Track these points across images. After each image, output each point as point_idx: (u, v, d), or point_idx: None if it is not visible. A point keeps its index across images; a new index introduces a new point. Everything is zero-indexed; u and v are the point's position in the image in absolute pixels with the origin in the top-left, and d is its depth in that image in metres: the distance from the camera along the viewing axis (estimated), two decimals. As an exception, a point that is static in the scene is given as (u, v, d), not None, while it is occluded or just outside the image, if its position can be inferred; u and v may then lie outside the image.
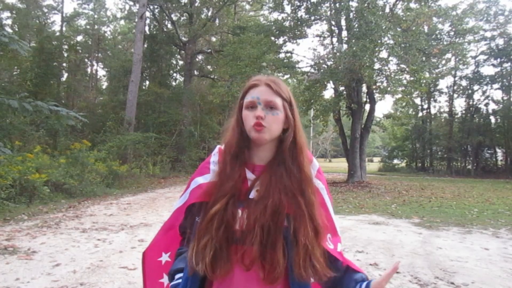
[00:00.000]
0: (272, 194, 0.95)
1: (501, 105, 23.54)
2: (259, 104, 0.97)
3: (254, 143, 1.00)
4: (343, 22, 14.53)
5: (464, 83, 24.90)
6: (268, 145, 1.01)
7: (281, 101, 1.00)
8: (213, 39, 24.19)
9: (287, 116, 1.01)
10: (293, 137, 1.01)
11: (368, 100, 15.75)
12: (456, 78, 24.67)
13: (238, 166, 1.00)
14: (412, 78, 13.14)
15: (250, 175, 1.00)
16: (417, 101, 25.17)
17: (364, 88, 15.59)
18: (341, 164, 30.49)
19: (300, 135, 1.02)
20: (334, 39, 15.37)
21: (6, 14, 23.13)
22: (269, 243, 0.92)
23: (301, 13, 14.62)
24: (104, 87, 30.14)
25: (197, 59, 23.91)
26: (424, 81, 13.46)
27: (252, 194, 0.97)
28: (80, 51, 25.03)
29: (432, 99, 26.32)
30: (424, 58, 13.54)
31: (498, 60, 23.03)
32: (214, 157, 1.10)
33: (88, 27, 28.00)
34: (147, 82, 23.41)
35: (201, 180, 1.07)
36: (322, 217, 1.00)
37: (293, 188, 0.97)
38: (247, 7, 25.25)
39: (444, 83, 42.48)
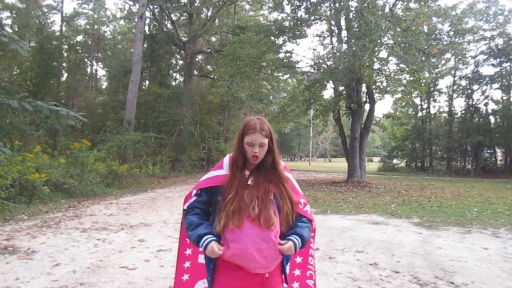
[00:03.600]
0: (261, 182, 1.64)
1: (500, 105, 23.51)
2: (256, 144, 1.62)
3: (249, 162, 1.67)
4: (342, 22, 14.52)
5: (463, 83, 24.88)
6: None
7: (267, 140, 1.64)
8: (213, 39, 24.17)
9: (269, 144, 1.65)
10: (272, 155, 1.68)
11: (367, 100, 15.75)
12: (456, 78, 24.66)
13: (241, 170, 1.67)
14: (411, 78, 13.14)
15: (247, 173, 1.68)
16: (417, 101, 25.21)
17: (364, 88, 15.60)
18: (341, 164, 30.52)
19: (276, 153, 1.69)
20: (334, 39, 15.37)
21: (6, 14, 23.12)
22: (263, 207, 1.58)
23: (301, 13, 14.60)
24: (104, 87, 30.12)
25: (197, 59, 23.89)
26: (424, 81, 13.46)
27: (249, 182, 1.64)
28: (80, 51, 24.98)
29: (431, 99, 26.31)
30: (423, 58, 13.54)
31: (498, 60, 23.00)
32: (226, 159, 1.75)
33: (88, 27, 27.96)
34: (147, 82, 23.39)
35: (218, 172, 1.72)
36: (294, 195, 1.69)
37: (276, 180, 1.66)
38: (247, 7, 25.24)
39: (443, 83, 42.62)
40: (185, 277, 1.86)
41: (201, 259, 1.84)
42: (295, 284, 1.91)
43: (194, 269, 1.86)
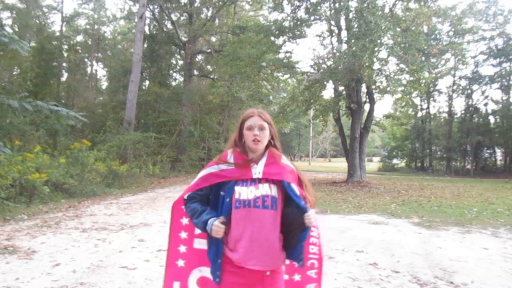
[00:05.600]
0: (266, 175, 1.62)
1: (500, 105, 23.55)
2: (255, 127, 1.63)
3: (252, 150, 1.67)
4: (342, 22, 14.51)
5: (463, 83, 24.90)
6: (260, 149, 1.68)
7: (267, 125, 1.65)
8: (213, 39, 24.17)
9: (271, 132, 1.68)
10: (274, 142, 1.71)
11: (367, 100, 15.75)
12: (456, 78, 24.69)
13: (245, 164, 1.64)
14: (411, 78, 13.15)
15: (252, 165, 1.64)
16: (417, 101, 25.19)
17: (364, 88, 15.58)
18: (341, 164, 30.51)
19: (278, 142, 1.73)
20: (334, 39, 15.36)
21: (6, 14, 23.10)
22: (268, 201, 1.57)
23: (301, 13, 14.60)
24: (104, 87, 30.14)
25: (197, 59, 23.89)
26: (424, 81, 13.47)
27: (255, 175, 1.62)
28: (80, 51, 25.01)
29: (431, 99, 26.32)
30: (423, 58, 13.53)
31: (497, 60, 23.01)
32: (230, 154, 1.70)
33: (88, 27, 27.97)
34: (147, 82, 23.39)
35: (221, 167, 1.67)
36: (298, 188, 1.65)
37: (280, 169, 1.64)
38: (247, 7, 25.24)
39: (443, 83, 42.52)
40: (180, 262, 1.82)
41: (197, 244, 1.81)
42: (296, 277, 1.86)
43: (190, 255, 1.81)
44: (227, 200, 1.59)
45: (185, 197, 1.71)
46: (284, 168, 1.65)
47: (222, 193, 1.62)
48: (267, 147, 1.69)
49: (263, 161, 1.65)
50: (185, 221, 1.85)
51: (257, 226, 1.56)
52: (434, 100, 26.50)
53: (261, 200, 1.57)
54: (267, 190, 1.59)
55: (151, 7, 20.27)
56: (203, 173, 1.71)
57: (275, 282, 1.61)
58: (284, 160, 1.70)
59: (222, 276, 1.59)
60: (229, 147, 1.74)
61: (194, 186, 1.71)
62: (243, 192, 1.58)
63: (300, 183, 1.70)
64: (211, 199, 1.68)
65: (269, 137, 1.68)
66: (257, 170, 1.62)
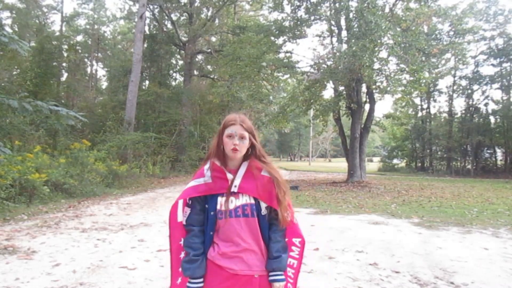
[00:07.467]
0: (243, 188, 1.61)
1: (500, 105, 23.55)
2: (236, 136, 1.59)
3: (230, 158, 1.64)
4: (342, 22, 14.52)
5: (463, 83, 24.92)
6: (238, 158, 1.66)
7: (248, 134, 1.62)
8: (213, 39, 24.19)
9: (251, 141, 1.64)
10: (254, 151, 1.67)
11: (367, 100, 15.75)
12: (456, 78, 24.69)
13: (223, 175, 1.63)
14: (411, 78, 13.13)
15: (229, 175, 1.64)
16: (417, 101, 25.25)
17: (364, 88, 15.59)
18: (341, 164, 30.52)
19: (260, 150, 1.68)
20: (334, 39, 15.37)
21: (6, 14, 23.19)
22: (249, 213, 1.61)
23: (301, 13, 14.61)
24: (104, 87, 30.18)
25: (197, 59, 23.91)
26: (424, 81, 13.44)
27: (233, 189, 1.61)
28: (79, 51, 25.04)
29: (431, 99, 26.34)
30: (423, 58, 13.53)
31: (498, 60, 23.03)
32: (207, 166, 1.69)
33: (88, 27, 28.03)
34: (147, 82, 23.41)
35: (201, 181, 1.66)
36: (271, 194, 1.64)
37: (255, 185, 1.62)
38: (247, 7, 25.27)
39: (443, 83, 42.63)
40: (179, 280, 1.83)
41: None
42: None
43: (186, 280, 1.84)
44: (212, 213, 1.62)
45: (184, 223, 1.67)
46: (260, 183, 1.63)
47: (206, 205, 1.64)
48: (248, 156, 1.67)
49: (241, 173, 1.64)
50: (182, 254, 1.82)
51: (241, 233, 1.60)
52: (435, 100, 26.53)
53: (241, 209, 1.60)
54: (247, 199, 1.62)
55: (151, 7, 20.29)
56: (185, 188, 1.69)
57: (264, 286, 1.62)
58: (265, 171, 1.66)
59: (205, 280, 1.61)
60: (207, 156, 1.71)
61: (176, 205, 1.70)
62: (224, 203, 1.61)
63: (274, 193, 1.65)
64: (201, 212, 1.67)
65: (249, 145, 1.64)
66: (234, 184, 1.61)
